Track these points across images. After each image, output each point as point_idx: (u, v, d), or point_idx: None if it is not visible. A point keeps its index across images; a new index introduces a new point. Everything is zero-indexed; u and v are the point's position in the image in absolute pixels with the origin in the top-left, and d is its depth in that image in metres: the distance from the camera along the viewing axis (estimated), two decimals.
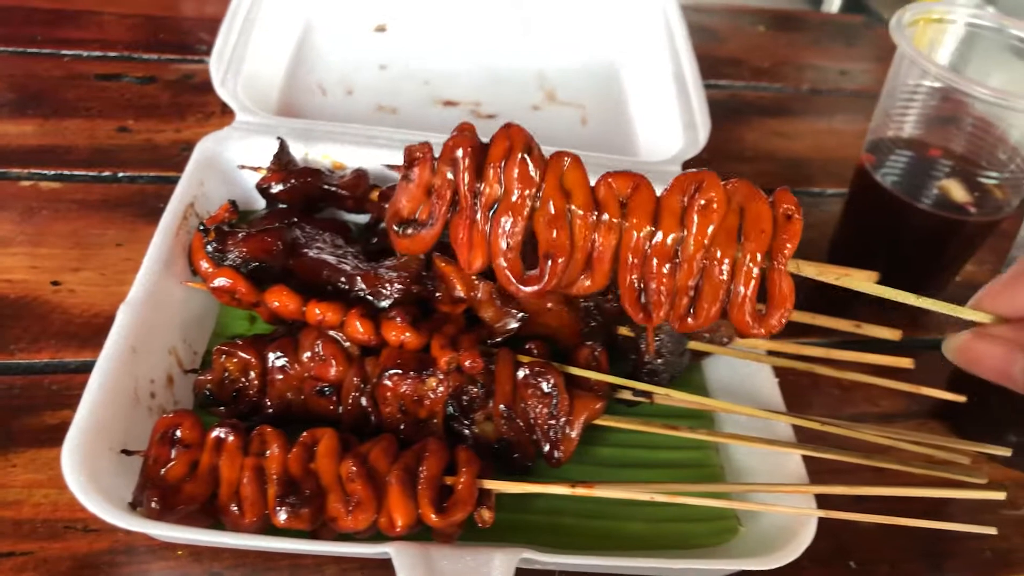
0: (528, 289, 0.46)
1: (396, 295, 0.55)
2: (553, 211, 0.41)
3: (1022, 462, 0.64)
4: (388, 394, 0.53)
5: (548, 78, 0.91)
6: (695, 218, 0.40)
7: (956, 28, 0.73)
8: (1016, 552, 0.59)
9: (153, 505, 0.45)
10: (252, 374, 0.54)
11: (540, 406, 0.53)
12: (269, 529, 0.47)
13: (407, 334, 0.53)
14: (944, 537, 0.58)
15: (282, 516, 0.46)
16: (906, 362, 0.59)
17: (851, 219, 0.77)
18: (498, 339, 0.56)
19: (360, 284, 0.55)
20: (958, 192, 0.71)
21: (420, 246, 0.49)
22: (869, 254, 0.76)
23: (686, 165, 0.74)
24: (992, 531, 0.51)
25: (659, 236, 0.41)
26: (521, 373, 0.53)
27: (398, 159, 0.70)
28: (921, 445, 0.55)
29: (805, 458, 0.55)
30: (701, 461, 0.58)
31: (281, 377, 0.54)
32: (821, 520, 0.56)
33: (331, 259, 0.56)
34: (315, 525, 0.47)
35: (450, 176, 0.46)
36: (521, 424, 0.53)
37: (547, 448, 0.53)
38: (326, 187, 0.65)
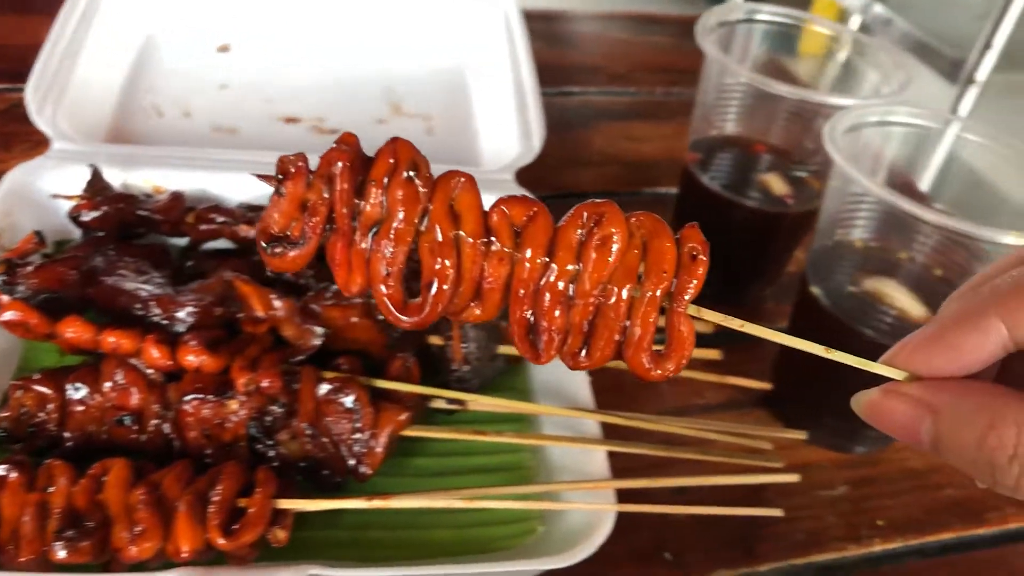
0: (409, 319, 0.44)
1: (193, 318, 0.54)
2: (440, 238, 0.39)
3: (838, 443, 0.66)
4: (190, 419, 0.53)
5: (395, 90, 0.91)
6: (592, 254, 0.38)
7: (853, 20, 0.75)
8: (829, 531, 0.61)
9: None
10: (50, 407, 0.53)
11: (344, 421, 0.53)
12: (61, 567, 0.46)
13: (203, 357, 0.53)
14: (758, 523, 0.60)
15: (60, 552, 0.45)
16: (714, 353, 0.61)
17: (682, 218, 0.79)
18: (302, 357, 0.56)
19: (156, 309, 0.54)
20: (777, 185, 0.74)
21: (290, 266, 0.46)
22: None
23: (519, 173, 0.75)
24: (779, 513, 0.52)
25: (553, 270, 0.38)
26: (323, 389, 0.53)
27: (222, 181, 0.69)
28: (724, 434, 0.57)
29: (630, 454, 0.56)
30: (515, 464, 0.58)
31: (81, 409, 0.53)
32: (641, 515, 0.58)
33: (129, 286, 0.56)
34: (99, 558, 0.46)
35: (326, 194, 0.42)
36: (326, 441, 0.53)
37: (353, 463, 0.53)
38: (141, 212, 0.64)
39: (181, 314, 0.54)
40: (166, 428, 0.53)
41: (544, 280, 0.39)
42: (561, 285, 0.39)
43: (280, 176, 0.45)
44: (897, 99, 0.66)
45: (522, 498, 0.52)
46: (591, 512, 0.52)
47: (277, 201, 0.47)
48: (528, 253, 0.39)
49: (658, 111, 1.04)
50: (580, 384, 0.60)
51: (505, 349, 0.59)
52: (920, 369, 0.32)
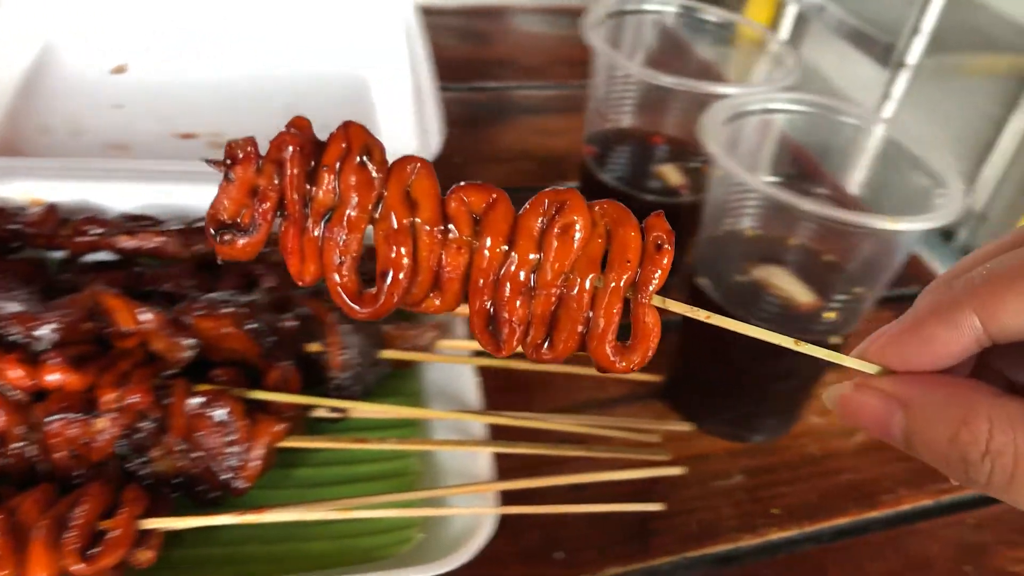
0: (363, 310, 0.42)
1: (58, 335, 0.52)
2: (395, 225, 0.37)
3: (735, 432, 0.66)
4: (56, 440, 0.51)
5: (294, 102, 0.90)
6: (554, 242, 0.36)
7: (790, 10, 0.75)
8: (724, 521, 0.60)
9: None
10: None
11: (216, 435, 0.52)
12: None
13: (66, 375, 0.51)
14: (652, 517, 0.59)
15: None
16: None
17: None
18: (174, 370, 0.54)
19: (15, 328, 0.52)
20: (674, 176, 0.74)
21: (240, 254, 0.44)
22: None
23: None
24: (660, 507, 0.52)
25: (514, 259, 0.37)
26: (193, 403, 0.52)
27: (105, 191, 0.67)
28: (612, 429, 0.57)
29: (523, 455, 0.55)
30: (401, 470, 0.57)
31: None
32: (532, 515, 0.57)
33: None
34: None
35: (277, 180, 0.39)
36: (200, 456, 0.52)
37: (228, 477, 0.52)
38: (11, 227, 0.62)
39: (44, 331, 0.52)
40: (30, 450, 0.51)
41: (504, 270, 0.37)
42: (522, 275, 0.37)
43: (229, 161, 0.43)
44: (782, 86, 0.66)
45: (401, 505, 0.51)
46: (473, 516, 0.51)
47: (226, 187, 0.45)
48: (488, 242, 0.37)
49: (573, 105, 1.03)
50: (468, 386, 0.59)
51: (388, 354, 0.58)
52: (892, 363, 0.32)
